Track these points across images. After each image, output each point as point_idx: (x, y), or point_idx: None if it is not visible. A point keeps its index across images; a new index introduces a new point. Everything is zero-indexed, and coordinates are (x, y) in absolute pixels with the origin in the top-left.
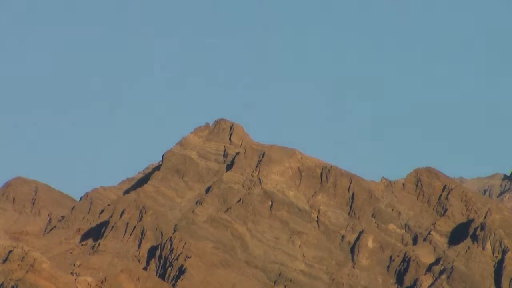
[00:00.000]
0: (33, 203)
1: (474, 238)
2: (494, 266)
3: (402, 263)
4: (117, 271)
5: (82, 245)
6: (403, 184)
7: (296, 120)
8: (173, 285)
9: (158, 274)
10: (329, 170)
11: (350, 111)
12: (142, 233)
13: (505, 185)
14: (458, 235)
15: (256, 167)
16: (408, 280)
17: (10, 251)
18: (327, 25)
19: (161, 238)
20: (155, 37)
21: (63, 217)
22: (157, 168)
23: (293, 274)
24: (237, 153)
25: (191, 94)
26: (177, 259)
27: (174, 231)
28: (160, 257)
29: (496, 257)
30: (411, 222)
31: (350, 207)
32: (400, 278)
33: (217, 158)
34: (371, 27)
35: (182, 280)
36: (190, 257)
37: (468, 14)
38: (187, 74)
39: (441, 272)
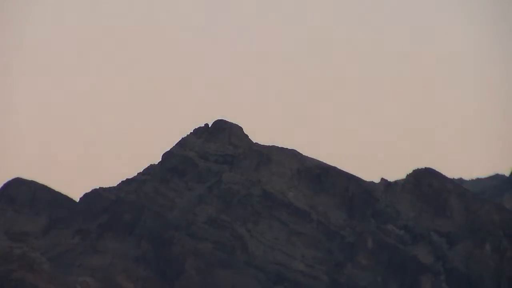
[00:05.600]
0: (33, 203)
1: (474, 238)
2: (493, 267)
3: (401, 264)
4: (116, 272)
5: (81, 245)
6: (403, 184)
7: (296, 121)
8: (173, 285)
9: (157, 275)
10: (328, 170)
11: (350, 111)
12: (141, 234)
13: (505, 186)
14: (457, 235)
15: (256, 167)
16: (407, 280)
17: (10, 252)
18: (327, 26)
19: (161, 238)
20: (155, 36)
21: (62, 217)
22: (157, 168)
23: (293, 275)
24: (237, 154)
25: (190, 94)
26: (176, 260)
27: (174, 231)
28: (159, 257)
29: (496, 257)
30: (411, 222)
31: (350, 207)
32: (399, 279)
33: (217, 158)
34: (375, 34)
35: (181, 280)
36: (189, 258)
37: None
38: (186, 74)
39: (440, 273)
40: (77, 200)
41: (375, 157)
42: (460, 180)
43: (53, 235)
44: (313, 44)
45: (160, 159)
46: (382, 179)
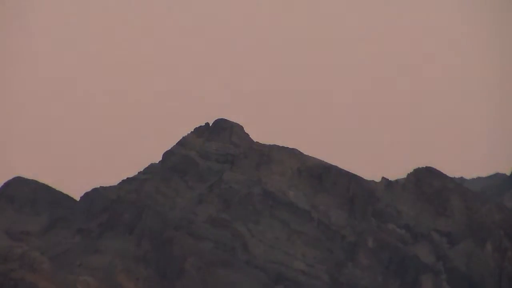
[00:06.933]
0: (33, 203)
1: (474, 238)
2: (494, 267)
3: (402, 263)
4: (117, 271)
5: (82, 245)
6: (403, 183)
7: (296, 120)
8: (173, 285)
9: (158, 274)
10: (329, 169)
11: (350, 110)
12: (142, 233)
13: (506, 185)
14: (458, 235)
15: (257, 167)
16: (408, 280)
17: (10, 251)
18: (328, 26)
19: (161, 238)
20: (155, 35)
21: (63, 217)
22: (157, 167)
23: (293, 274)
24: (238, 153)
25: (191, 94)
26: (177, 259)
27: (174, 231)
28: (160, 257)
29: (497, 257)
30: (411, 221)
31: (350, 207)
32: (400, 278)
33: (218, 158)
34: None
35: (181, 280)
36: (190, 257)
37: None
38: (187, 73)
39: (441, 272)
40: (78, 199)
41: (376, 156)
42: (461, 179)
43: (53, 235)
44: (314, 44)
45: (161, 158)
46: (383, 178)
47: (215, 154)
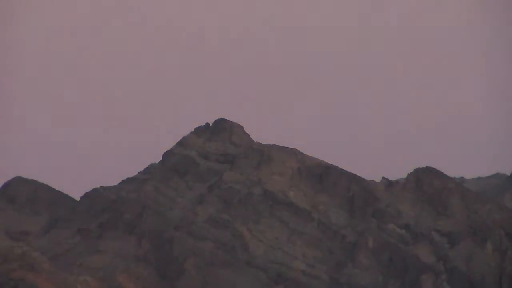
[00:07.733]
0: (33, 203)
1: (475, 238)
2: (495, 266)
3: (402, 263)
4: (117, 271)
5: (82, 245)
6: (404, 184)
7: (296, 120)
8: (173, 285)
9: (158, 274)
10: (329, 169)
11: (351, 110)
12: (142, 233)
13: (506, 185)
14: (458, 235)
15: (257, 167)
16: (408, 280)
17: (10, 251)
18: (327, 26)
19: (161, 238)
20: (156, 35)
21: (63, 217)
22: (157, 168)
23: (293, 274)
24: (238, 153)
25: (191, 94)
26: (177, 259)
27: (174, 231)
28: (160, 257)
29: (497, 257)
30: (412, 222)
31: (351, 207)
32: (400, 278)
33: (218, 158)
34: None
35: (182, 280)
36: (190, 257)
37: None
38: (187, 73)
39: (441, 272)
40: (78, 199)
41: (376, 156)
42: (461, 179)
43: (53, 235)
44: (314, 43)
45: (161, 158)
46: (383, 178)
47: (215, 154)
